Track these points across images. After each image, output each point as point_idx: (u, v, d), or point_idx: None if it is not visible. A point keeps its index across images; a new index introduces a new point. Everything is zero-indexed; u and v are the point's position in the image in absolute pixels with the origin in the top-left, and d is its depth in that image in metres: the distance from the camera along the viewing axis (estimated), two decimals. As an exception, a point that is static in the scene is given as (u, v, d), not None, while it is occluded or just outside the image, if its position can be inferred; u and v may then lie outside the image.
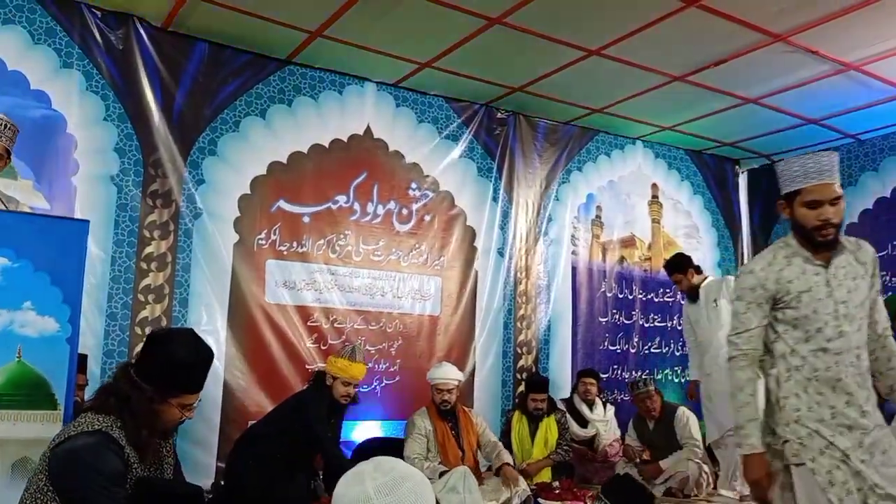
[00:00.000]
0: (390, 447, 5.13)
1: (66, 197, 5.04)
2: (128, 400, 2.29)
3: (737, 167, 8.43)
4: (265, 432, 4.59)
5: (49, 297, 3.24)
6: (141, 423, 2.30)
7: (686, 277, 5.96)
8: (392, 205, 6.32)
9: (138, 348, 5.16)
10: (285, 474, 4.40)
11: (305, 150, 5.97)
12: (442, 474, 4.81)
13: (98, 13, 5.20)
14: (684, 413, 5.94)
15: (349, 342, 5.67)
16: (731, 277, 5.70)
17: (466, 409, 5.49)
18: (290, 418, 4.56)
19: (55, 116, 5.05)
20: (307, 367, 5.72)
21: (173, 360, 2.34)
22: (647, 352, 7.45)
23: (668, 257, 6.52)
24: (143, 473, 2.32)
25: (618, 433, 6.41)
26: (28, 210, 4.52)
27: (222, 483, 4.81)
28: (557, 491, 5.20)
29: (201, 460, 5.23)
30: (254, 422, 5.06)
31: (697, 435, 5.84)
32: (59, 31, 5.08)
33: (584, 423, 6.37)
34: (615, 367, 7.27)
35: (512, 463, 5.16)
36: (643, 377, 6.48)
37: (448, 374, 5.21)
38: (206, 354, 2.44)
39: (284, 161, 5.88)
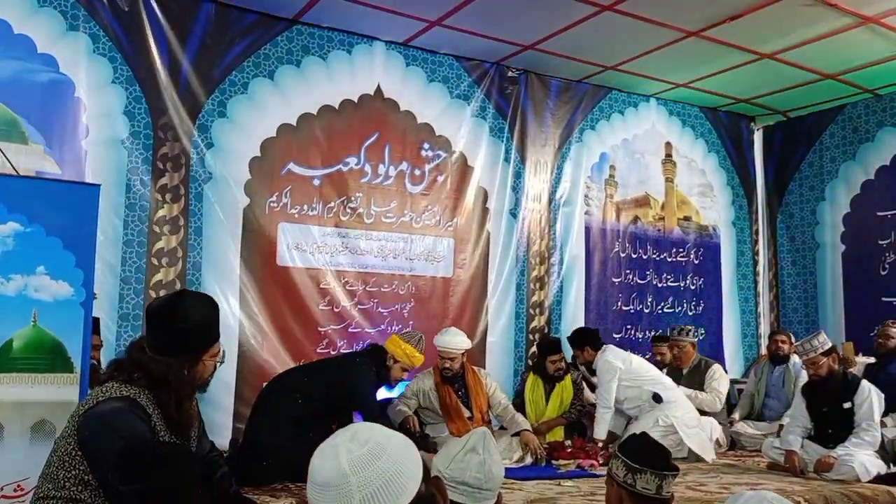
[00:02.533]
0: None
1: (76, 161, 5.03)
2: (167, 380, 2.32)
3: (752, 124, 8.31)
4: (297, 395, 4.48)
5: (62, 262, 3.27)
6: (183, 394, 2.36)
7: (582, 355, 5.66)
8: (404, 166, 6.27)
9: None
10: (304, 433, 4.43)
11: (315, 112, 5.92)
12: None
13: (103, -26, 5.14)
14: (718, 370, 5.99)
15: (413, 328, 5.68)
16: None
17: (476, 369, 5.48)
18: (334, 385, 4.50)
19: (63, 80, 5.01)
20: (319, 328, 5.77)
21: (193, 324, 2.37)
22: (660, 311, 7.43)
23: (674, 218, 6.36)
24: (169, 439, 2.35)
25: None
26: (33, 174, 4.53)
27: (240, 442, 4.85)
28: (570, 449, 5.22)
29: (217, 420, 5.28)
30: (268, 382, 5.03)
31: (722, 389, 5.88)
32: (64, -8, 5.03)
33: (591, 388, 6.38)
34: (628, 326, 7.27)
35: (530, 429, 5.18)
36: (687, 327, 6.30)
37: (451, 343, 5.15)
38: (214, 304, 2.52)
39: (294, 123, 5.84)
